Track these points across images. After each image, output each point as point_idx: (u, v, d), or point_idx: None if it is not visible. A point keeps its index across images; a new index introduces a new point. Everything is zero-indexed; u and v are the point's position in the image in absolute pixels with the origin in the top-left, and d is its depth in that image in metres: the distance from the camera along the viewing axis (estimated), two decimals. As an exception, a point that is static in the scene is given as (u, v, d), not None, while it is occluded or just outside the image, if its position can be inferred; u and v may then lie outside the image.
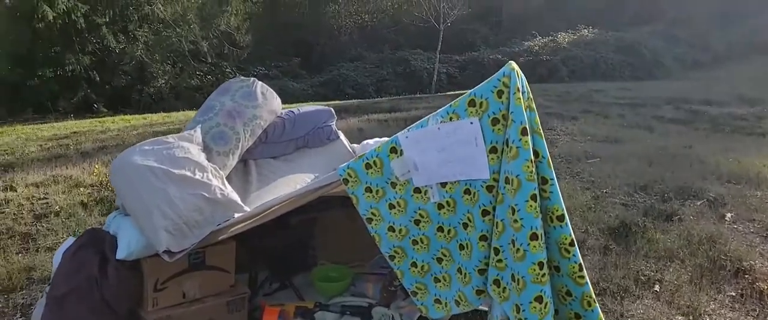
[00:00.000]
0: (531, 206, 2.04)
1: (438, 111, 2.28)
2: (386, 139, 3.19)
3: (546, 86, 16.30)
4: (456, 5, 22.39)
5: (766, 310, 3.25)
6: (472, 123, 2.17)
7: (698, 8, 27.61)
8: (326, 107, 3.54)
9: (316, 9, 28.03)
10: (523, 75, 2.15)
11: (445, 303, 2.45)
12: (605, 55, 23.21)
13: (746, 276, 3.65)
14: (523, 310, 2.10)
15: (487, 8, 29.51)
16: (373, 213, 2.45)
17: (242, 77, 3.33)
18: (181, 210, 2.37)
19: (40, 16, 16.30)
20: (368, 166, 2.42)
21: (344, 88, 21.69)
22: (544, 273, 2.06)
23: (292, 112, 3.37)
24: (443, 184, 2.29)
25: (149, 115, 14.28)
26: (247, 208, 2.60)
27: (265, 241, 3.18)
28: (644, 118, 10.31)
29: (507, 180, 2.09)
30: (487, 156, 2.16)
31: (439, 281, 2.45)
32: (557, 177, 2.20)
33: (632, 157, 6.82)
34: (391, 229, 2.44)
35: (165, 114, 14.18)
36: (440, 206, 2.33)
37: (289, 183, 2.97)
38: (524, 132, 2.05)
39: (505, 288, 2.18)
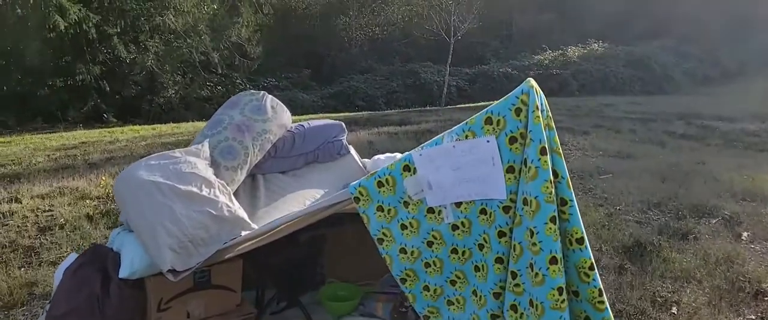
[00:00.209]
0: (550, 229, 1.95)
1: (453, 128, 2.20)
2: (398, 153, 3.13)
3: (556, 100, 16.24)
4: (466, 19, 22.42)
5: (789, 336, 3.15)
6: (488, 141, 2.09)
7: (708, 24, 27.58)
8: (337, 121, 3.47)
9: (327, 21, 28.21)
10: (542, 93, 2.08)
11: (459, 326, 2.35)
12: (615, 69, 23.24)
13: (766, 298, 3.55)
14: (541, 337, 2.00)
15: (498, 22, 29.59)
16: (384, 234, 2.37)
17: (252, 90, 3.28)
18: (186, 228, 2.31)
19: (51, 26, 16.32)
20: (380, 184, 2.34)
21: (354, 100, 21.76)
22: (564, 299, 1.98)
23: (302, 125, 3.30)
24: (458, 204, 2.21)
25: (159, 125, 14.30)
26: (254, 226, 2.53)
27: (273, 258, 3.10)
28: (656, 133, 10.23)
29: (525, 202, 2.01)
30: (504, 175, 2.08)
31: (453, 304, 2.36)
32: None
33: (645, 173, 6.73)
34: (403, 251, 2.35)
35: (174, 124, 14.21)
36: (454, 227, 2.25)
37: (298, 199, 2.90)
38: (543, 151, 1.97)
39: (522, 313, 2.09)
